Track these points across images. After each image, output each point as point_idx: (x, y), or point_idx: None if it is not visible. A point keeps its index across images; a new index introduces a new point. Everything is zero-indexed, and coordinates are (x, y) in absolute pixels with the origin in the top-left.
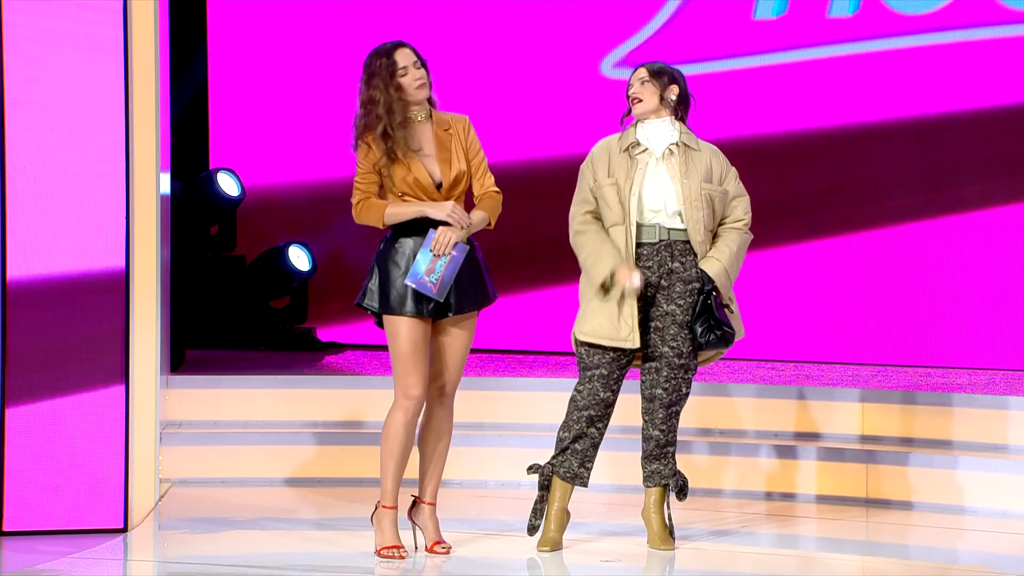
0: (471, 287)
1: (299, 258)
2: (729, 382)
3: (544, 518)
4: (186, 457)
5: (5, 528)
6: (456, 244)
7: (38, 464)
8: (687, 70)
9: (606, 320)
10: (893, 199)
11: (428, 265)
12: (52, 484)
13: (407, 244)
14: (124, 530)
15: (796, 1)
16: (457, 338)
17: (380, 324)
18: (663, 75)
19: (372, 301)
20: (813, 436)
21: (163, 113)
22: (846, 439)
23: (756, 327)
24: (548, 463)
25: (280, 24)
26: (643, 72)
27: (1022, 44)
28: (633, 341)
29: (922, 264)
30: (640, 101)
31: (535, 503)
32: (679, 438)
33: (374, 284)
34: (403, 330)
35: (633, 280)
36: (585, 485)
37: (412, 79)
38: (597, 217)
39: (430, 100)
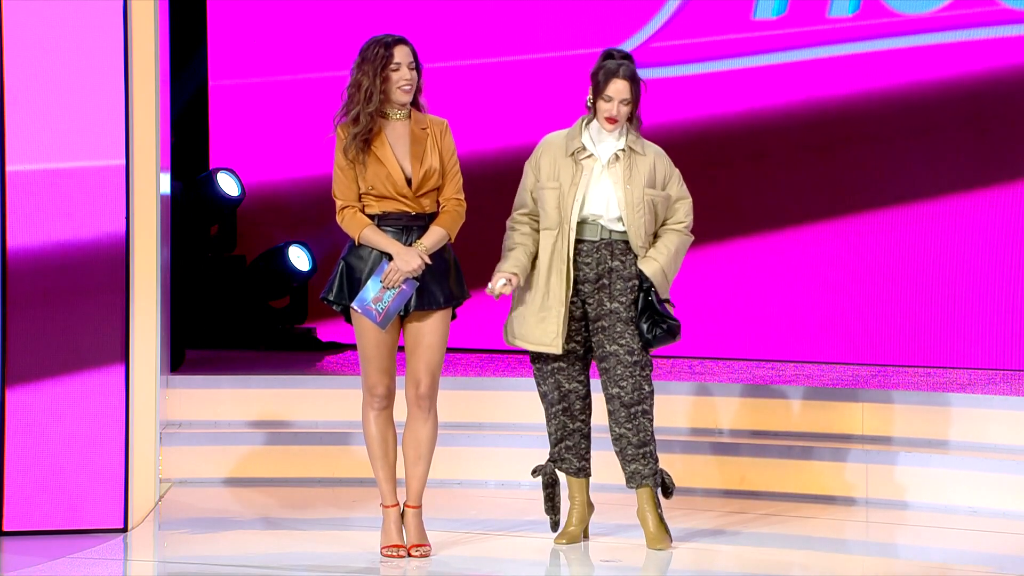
0: (436, 285)
1: (299, 258)
2: (729, 382)
3: (567, 513)
4: (186, 457)
5: (5, 528)
6: (407, 280)
7: (38, 464)
8: (687, 70)
9: (533, 324)
10: (894, 199)
11: (377, 294)
12: (52, 484)
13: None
14: (124, 530)
15: (796, 1)
16: (426, 336)
17: (348, 320)
18: (638, 99)
19: (340, 297)
20: (813, 436)
21: (163, 113)
22: (846, 439)
23: (756, 327)
24: (548, 463)
25: (280, 24)
26: (627, 92)
27: (1022, 44)
28: (556, 347)
29: (923, 264)
30: (616, 122)
31: (546, 499)
32: (681, 438)
33: (340, 279)
34: (368, 326)
35: (495, 282)
36: (590, 474)
37: (400, 77)
38: (535, 219)
39: (416, 103)
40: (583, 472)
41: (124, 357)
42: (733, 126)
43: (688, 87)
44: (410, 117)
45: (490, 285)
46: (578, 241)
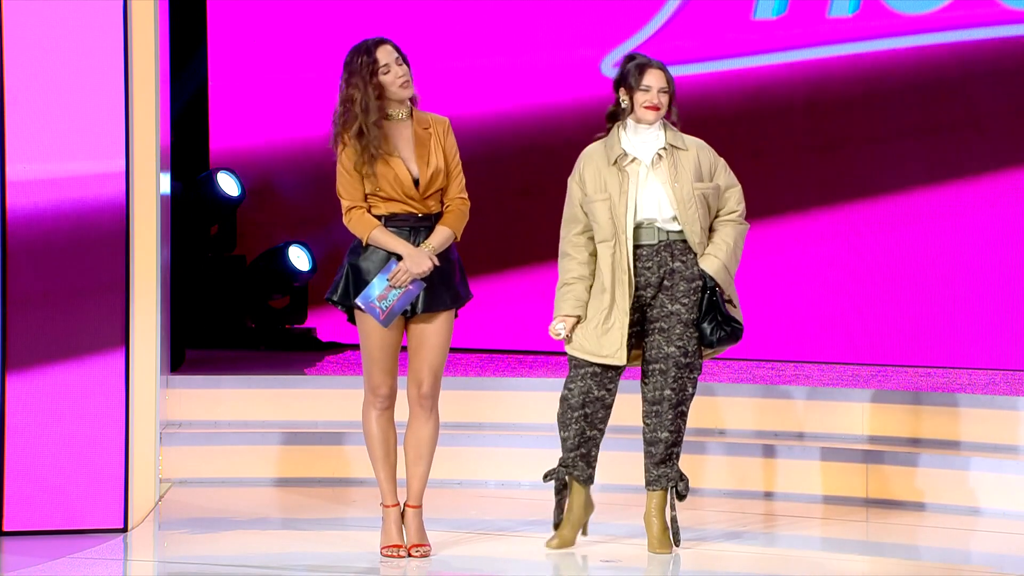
0: (441, 286)
1: (299, 258)
2: (729, 382)
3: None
4: (186, 457)
5: (5, 528)
6: (414, 280)
7: (38, 464)
8: (687, 70)
9: (596, 336)
10: (894, 199)
11: (382, 292)
12: (52, 484)
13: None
14: (124, 530)
15: (796, 1)
16: (430, 336)
17: (352, 320)
18: (674, 89)
19: (346, 298)
20: (813, 436)
21: (163, 113)
22: (846, 439)
23: (756, 326)
24: (560, 467)
25: (280, 24)
26: (663, 80)
27: (1022, 44)
28: (620, 358)
29: (923, 263)
30: (658, 111)
31: (556, 504)
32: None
33: (346, 280)
34: (373, 326)
35: (567, 328)
36: (593, 482)
37: (395, 76)
38: (590, 237)
39: (412, 98)
40: (591, 479)
41: (124, 357)
42: (733, 126)
43: (688, 87)
44: (411, 116)
45: (555, 332)
46: (637, 247)
